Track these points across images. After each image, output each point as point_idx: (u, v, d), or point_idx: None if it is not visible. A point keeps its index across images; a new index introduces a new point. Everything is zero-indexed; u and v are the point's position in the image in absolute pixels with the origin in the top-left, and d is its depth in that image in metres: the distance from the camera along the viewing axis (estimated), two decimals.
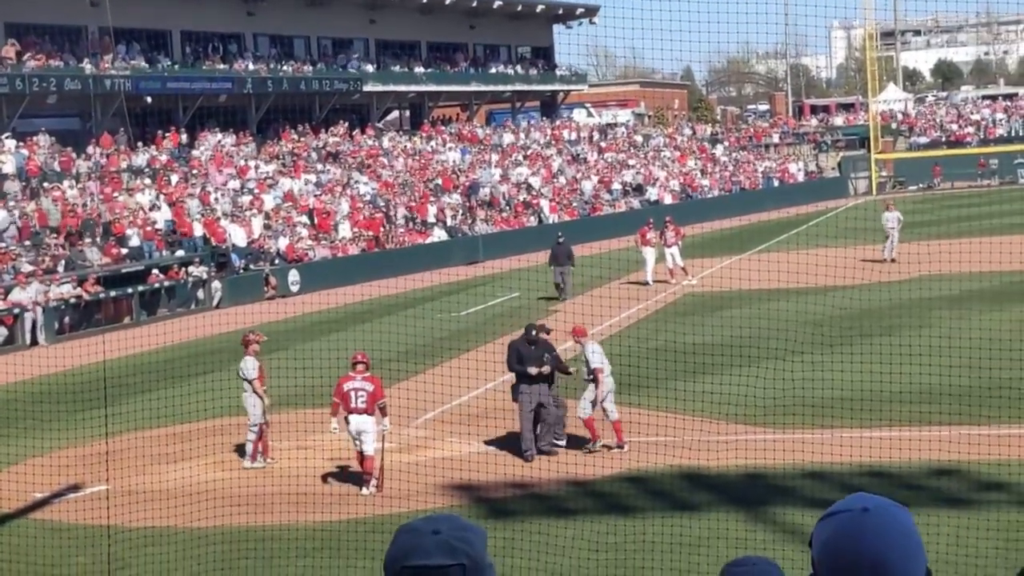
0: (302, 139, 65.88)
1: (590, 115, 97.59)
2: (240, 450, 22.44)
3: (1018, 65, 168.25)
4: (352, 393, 20.01)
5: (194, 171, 57.29)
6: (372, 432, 20.06)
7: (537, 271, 42.07)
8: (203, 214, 51.82)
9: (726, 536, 16.23)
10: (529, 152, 76.94)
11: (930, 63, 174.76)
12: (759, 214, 71.07)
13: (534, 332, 22.16)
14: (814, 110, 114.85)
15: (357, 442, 20.15)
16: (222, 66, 65.40)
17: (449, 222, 61.11)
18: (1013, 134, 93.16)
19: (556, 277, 42.25)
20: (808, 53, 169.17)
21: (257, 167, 60.09)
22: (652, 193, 74.55)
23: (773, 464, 19.58)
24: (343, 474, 21.04)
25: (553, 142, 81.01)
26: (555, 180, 72.58)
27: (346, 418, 20.08)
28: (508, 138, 79.04)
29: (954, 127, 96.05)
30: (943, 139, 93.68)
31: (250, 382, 21.79)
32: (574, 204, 69.42)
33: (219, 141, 62.02)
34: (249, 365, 21.89)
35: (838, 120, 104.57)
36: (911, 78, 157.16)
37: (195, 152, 59.89)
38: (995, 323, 29.36)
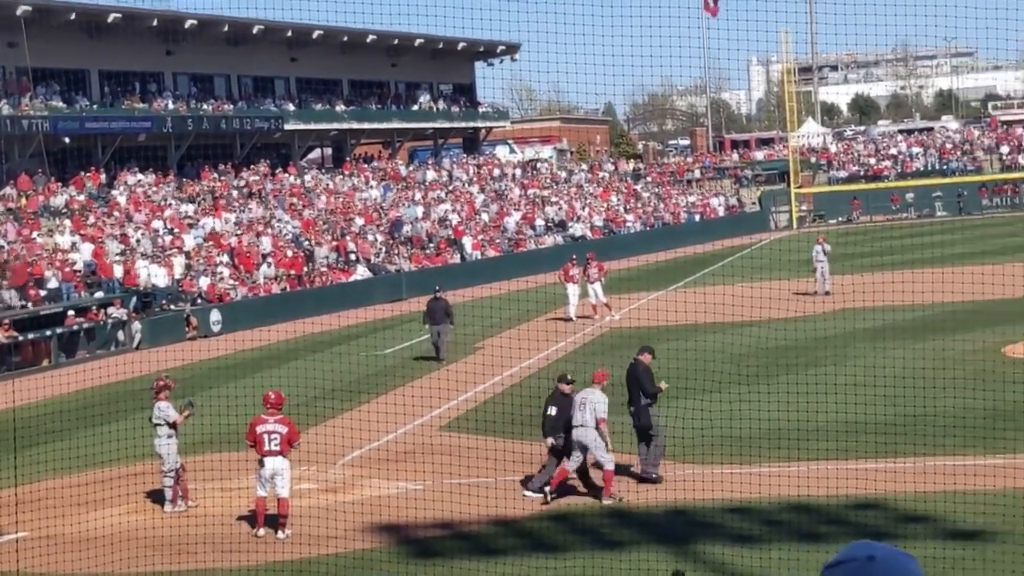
0: (223, 178, 65.56)
1: (513, 151, 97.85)
2: (160, 496, 22.17)
3: (934, 99, 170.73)
4: (265, 436, 19.86)
5: (114, 212, 56.78)
6: (287, 474, 19.94)
7: (459, 309, 41.85)
8: (123, 255, 51.35)
9: (649, 574, 16.23)
10: (452, 189, 77.03)
11: (848, 98, 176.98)
12: (682, 249, 71.46)
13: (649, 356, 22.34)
14: (734, 145, 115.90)
15: (267, 484, 19.96)
16: (141, 105, 64.96)
17: (372, 260, 60.96)
18: (930, 168, 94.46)
19: (433, 336, 37.89)
20: (728, 88, 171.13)
21: (177, 207, 59.68)
22: (576, 229, 74.81)
23: (697, 500, 19.65)
24: (264, 518, 20.84)
25: (476, 179, 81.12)
26: (478, 217, 72.66)
27: (260, 460, 19.93)
28: (431, 175, 79.10)
29: (872, 161, 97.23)
30: (861, 173, 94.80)
31: (171, 425, 21.55)
32: (497, 240, 69.51)
33: (139, 180, 61.55)
34: (167, 411, 21.62)
35: (758, 155, 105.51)
36: (829, 113, 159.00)
37: (115, 192, 59.40)
38: (912, 357, 29.66)
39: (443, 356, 37.12)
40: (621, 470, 21.48)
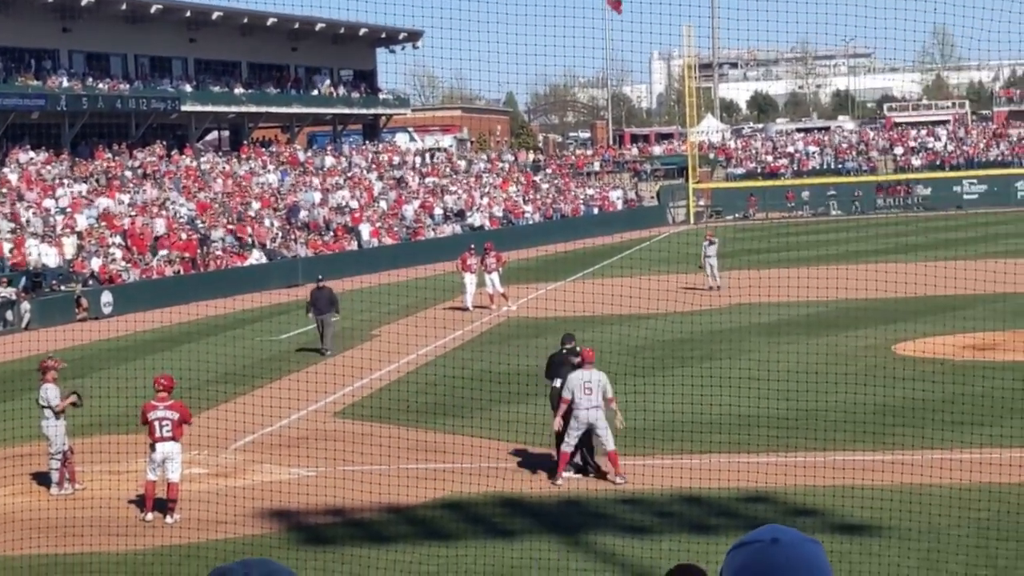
0: (117, 158, 64.64)
1: (412, 139, 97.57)
2: (46, 479, 21.81)
3: (831, 99, 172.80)
4: (156, 423, 19.60)
5: (4, 189, 55.79)
6: (178, 459, 19.71)
7: (356, 296, 41.69)
8: (13, 233, 50.48)
9: (540, 563, 16.23)
10: (350, 175, 76.62)
11: (747, 95, 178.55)
12: (580, 241, 71.77)
13: (572, 344, 21.69)
14: (634, 139, 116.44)
15: (157, 469, 19.70)
16: (35, 82, 63.84)
17: (269, 245, 60.44)
18: (825, 167, 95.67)
19: (318, 327, 36.00)
20: (629, 82, 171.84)
21: (70, 186, 58.76)
22: (474, 218, 74.77)
23: (589, 490, 19.69)
24: (153, 502, 20.56)
25: (375, 166, 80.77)
26: (376, 204, 72.36)
27: (151, 445, 19.67)
28: (329, 161, 78.61)
29: (769, 159, 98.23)
30: (759, 170, 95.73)
31: (53, 408, 21.18)
32: (395, 228, 69.27)
33: (31, 159, 60.54)
34: (52, 393, 21.28)
35: (657, 149, 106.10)
36: (728, 110, 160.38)
37: (6, 170, 58.35)
38: (806, 352, 29.96)
39: (328, 348, 35.48)
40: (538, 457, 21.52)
